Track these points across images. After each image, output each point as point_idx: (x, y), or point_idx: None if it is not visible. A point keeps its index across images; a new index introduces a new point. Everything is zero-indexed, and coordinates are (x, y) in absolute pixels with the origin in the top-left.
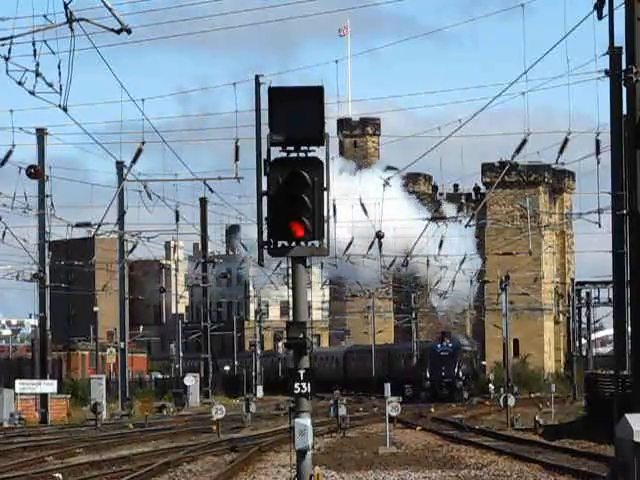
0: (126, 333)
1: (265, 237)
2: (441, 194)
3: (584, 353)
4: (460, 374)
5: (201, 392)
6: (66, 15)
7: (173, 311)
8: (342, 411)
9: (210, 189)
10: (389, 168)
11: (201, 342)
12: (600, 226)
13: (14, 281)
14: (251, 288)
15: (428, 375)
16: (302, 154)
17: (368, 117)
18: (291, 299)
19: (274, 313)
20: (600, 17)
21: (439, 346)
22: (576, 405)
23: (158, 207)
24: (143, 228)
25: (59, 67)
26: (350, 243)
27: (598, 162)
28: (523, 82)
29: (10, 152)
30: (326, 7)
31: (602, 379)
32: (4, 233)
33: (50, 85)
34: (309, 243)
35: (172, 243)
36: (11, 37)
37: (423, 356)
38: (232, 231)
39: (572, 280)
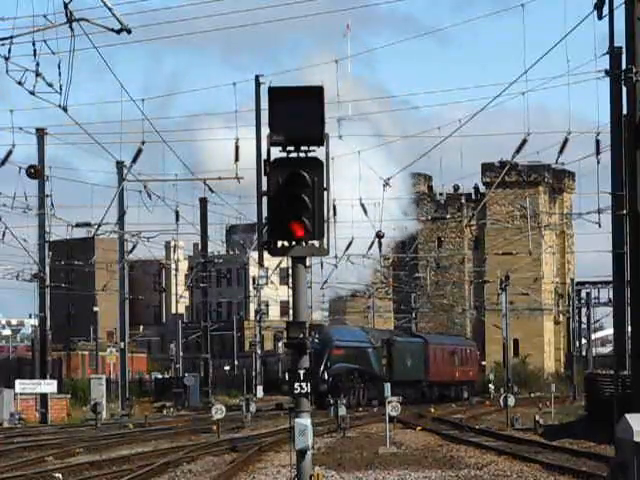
0: (126, 333)
1: (265, 237)
2: (441, 194)
3: (584, 353)
4: (326, 376)
5: (201, 392)
6: (66, 15)
7: (173, 311)
8: (342, 411)
9: (210, 189)
10: None
11: (201, 342)
12: (600, 226)
13: (14, 281)
14: (251, 288)
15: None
16: (302, 154)
17: None
18: (291, 299)
19: (274, 313)
20: (600, 17)
21: None
22: (576, 405)
23: (158, 207)
24: (143, 228)
25: (59, 67)
26: (350, 243)
27: (598, 162)
28: (523, 82)
29: (10, 152)
30: (326, 7)
31: (602, 379)
32: (4, 233)
33: (50, 85)
34: (309, 243)
35: (172, 243)
36: (11, 37)
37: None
38: (232, 231)
39: (572, 280)
